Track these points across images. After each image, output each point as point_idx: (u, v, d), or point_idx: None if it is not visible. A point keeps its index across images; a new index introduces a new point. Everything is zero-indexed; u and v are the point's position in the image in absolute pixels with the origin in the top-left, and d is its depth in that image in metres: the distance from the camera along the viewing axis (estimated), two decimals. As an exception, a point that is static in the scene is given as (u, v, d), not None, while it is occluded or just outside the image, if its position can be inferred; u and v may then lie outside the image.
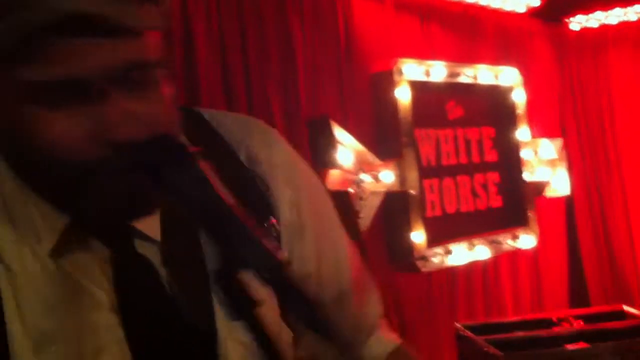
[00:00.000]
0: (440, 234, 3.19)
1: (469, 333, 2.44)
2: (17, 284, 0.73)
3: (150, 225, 0.77)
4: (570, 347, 2.35)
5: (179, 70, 2.40)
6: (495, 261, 3.51)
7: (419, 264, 3.00)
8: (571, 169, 3.98)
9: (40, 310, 0.73)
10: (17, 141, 0.70)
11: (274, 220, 0.83)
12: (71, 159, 0.67)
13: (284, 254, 0.63)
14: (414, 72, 3.25)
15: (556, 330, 2.54)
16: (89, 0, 0.62)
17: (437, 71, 3.36)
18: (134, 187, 0.68)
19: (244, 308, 0.66)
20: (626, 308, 2.73)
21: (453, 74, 3.44)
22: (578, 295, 3.86)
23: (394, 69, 3.15)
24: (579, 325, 2.57)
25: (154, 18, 0.66)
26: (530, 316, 3.09)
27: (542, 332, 2.50)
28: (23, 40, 0.63)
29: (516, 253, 3.60)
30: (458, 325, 2.53)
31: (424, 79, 3.30)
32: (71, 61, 0.64)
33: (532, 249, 3.63)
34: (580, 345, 2.39)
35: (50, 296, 0.74)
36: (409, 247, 3.00)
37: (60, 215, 0.74)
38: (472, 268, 3.39)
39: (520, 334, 2.47)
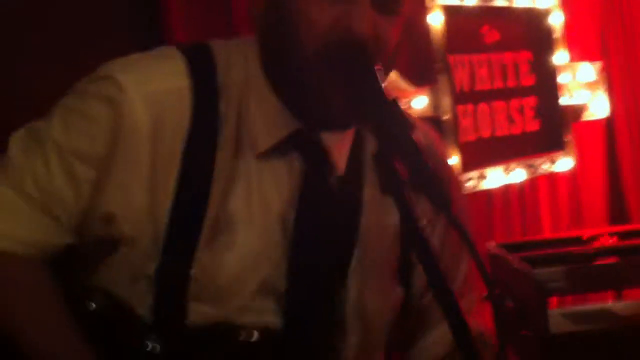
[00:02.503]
0: (475, 159, 3.20)
1: (500, 251, 2.50)
2: (232, 170, 0.92)
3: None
4: (600, 262, 2.39)
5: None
6: (532, 183, 3.53)
7: (453, 188, 3.04)
8: (612, 91, 3.91)
9: (238, 198, 0.92)
10: (282, 20, 0.89)
11: None
12: (314, 37, 0.86)
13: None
14: (448, -4, 3.22)
15: (588, 247, 2.57)
16: None
17: (471, -5, 3.32)
18: (347, 82, 0.85)
19: (394, 184, 0.78)
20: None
21: (488, -2, 3.40)
22: (618, 214, 3.86)
23: (427, -7, 3.13)
24: (612, 242, 2.60)
25: None
26: (563, 234, 3.12)
27: (574, 249, 2.54)
28: None
29: (554, 175, 3.60)
30: (490, 244, 2.59)
31: (457, 3, 3.26)
32: None
33: (570, 171, 3.63)
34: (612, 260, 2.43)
35: (249, 187, 0.92)
36: (443, 171, 3.04)
37: (285, 123, 0.93)
38: (509, 190, 3.41)
39: (551, 250, 2.51)
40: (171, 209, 0.90)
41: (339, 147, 0.98)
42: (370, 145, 1.01)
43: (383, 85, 0.85)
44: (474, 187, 3.17)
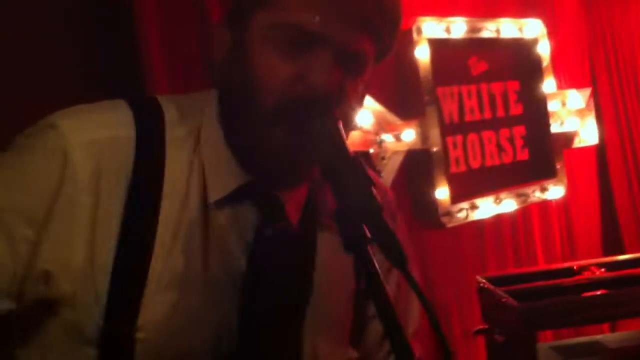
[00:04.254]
0: (466, 190, 3.22)
1: (488, 285, 2.50)
2: (178, 222, 0.89)
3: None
4: (588, 294, 2.38)
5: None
6: (524, 212, 3.53)
7: (444, 220, 3.06)
8: (603, 117, 3.93)
9: (185, 251, 0.89)
10: (241, 72, 0.88)
11: None
12: (275, 91, 0.86)
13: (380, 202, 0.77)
14: (434, 29, 3.25)
15: (576, 279, 2.56)
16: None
17: (457, 27, 3.35)
18: (304, 135, 0.85)
19: (357, 242, 0.76)
20: (650, 255, 2.73)
21: (475, 29, 3.43)
22: (612, 243, 3.85)
23: (413, 27, 3.16)
24: (600, 273, 2.59)
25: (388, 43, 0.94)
26: (552, 266, 3.11)
27: (561, 281, 2.53)
28: None
29: (546, 204, 3.61)
30: (479, 278, 2.58)
31: (444, 36, 3.29)
32: (329, 17, 0.85)
33: (562, 199, 3.63)
34: (600, 292, 2.42)
35: (197, 240, 0.90)
36: (433, 204, 3.06)
37: (238, 175, 0.92)
38: (501, 220, 3.42)
39: (538, 283, 2.50)
40: (113, 265, 0.85)
41: (292, 200, 0.97)
42: (326, 202, 1.00)
43: (345, 140, 0.84)
44: (465, 217, 3.18)
